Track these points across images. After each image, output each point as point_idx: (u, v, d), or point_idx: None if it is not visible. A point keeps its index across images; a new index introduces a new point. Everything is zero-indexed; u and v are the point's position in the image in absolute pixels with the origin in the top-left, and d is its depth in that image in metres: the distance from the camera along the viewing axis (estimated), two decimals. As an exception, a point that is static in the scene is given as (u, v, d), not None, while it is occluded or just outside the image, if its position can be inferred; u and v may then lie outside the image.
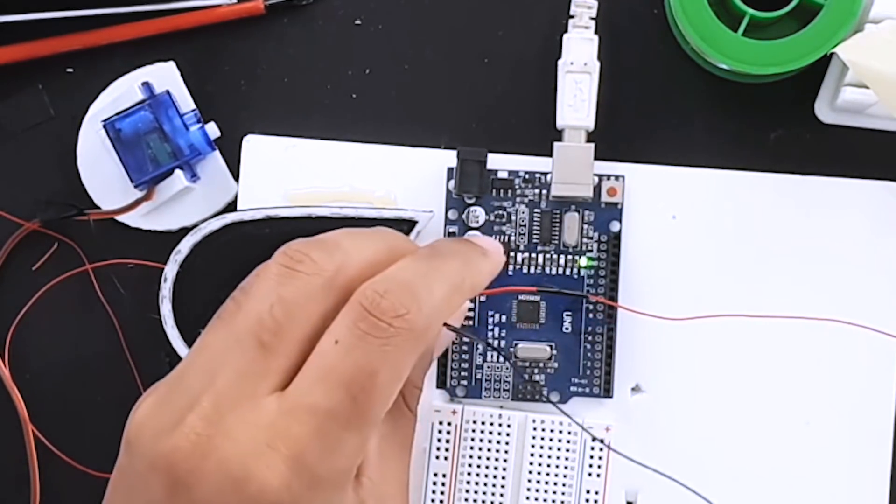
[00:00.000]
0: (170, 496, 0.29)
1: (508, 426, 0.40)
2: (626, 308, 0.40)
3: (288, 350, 0.30)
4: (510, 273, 0.40)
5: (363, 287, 0.30)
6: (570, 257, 0.40)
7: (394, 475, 0.34)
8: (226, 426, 0.29)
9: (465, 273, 0.34)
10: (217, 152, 0.41)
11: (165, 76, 0.41)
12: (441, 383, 0.41)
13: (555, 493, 0.40)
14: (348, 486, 0.31)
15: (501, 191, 0.40)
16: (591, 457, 0.40)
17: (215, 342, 0.30)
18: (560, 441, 0.40)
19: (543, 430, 0.40)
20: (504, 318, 0.40)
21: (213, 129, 0.41)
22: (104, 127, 0.40)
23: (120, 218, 0.41)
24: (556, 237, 0.40)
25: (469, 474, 0.40)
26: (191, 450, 0.29)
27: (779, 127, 0.41)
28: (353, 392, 0.29)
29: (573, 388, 0.40)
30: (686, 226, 0.41)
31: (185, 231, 0.41)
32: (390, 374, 0.30)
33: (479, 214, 0.40)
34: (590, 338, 0.40)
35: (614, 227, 0.40)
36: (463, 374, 0.40)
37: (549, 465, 0.40)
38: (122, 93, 0.41)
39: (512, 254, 0.40)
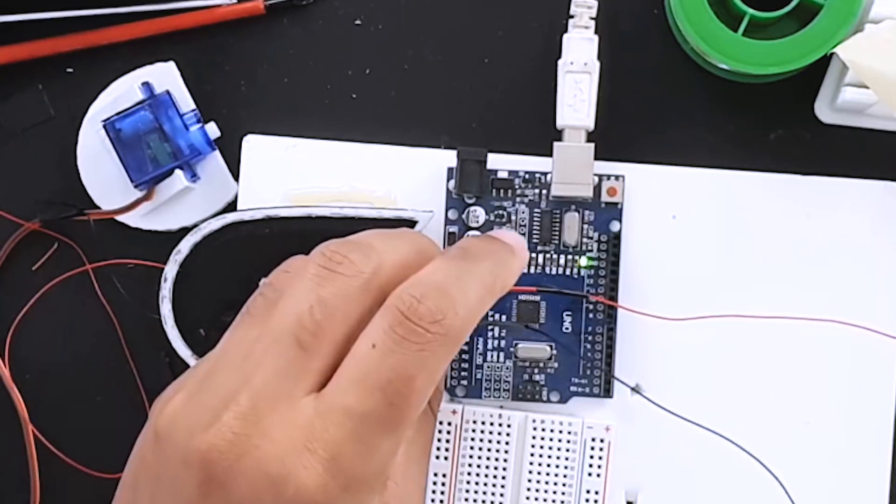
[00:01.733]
0: (203, 494, 0.29)
1: (508, 426, 0.40)
2: (626, 308, 0.40)
3: (326, 351, 0.30)
4: (510, 273, 0.40)
5: (399, 291, 0.30)
6: (570, 257, 0.40)
7: (415, 478, 0.34)
8: (264, 426, 0.29)
9: (496, 273, 0.34)
10: (217, 152, 0.41)
11: (165, 76, 0.41)
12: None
13: (555, 493, 0.40)
14: (380, 489, 0.31)
15: (501, 191, 0.40)
16: (591, 457, 0.40)
17: (248, 339, 0.30)
18: (560, 441, 0.40)
19: (543, 430, 0.40)
20: (504, 318, 0.40)
21: (213, 129, 0.41)
22: (104, 127, 0.40)
23: (120, 218, 0.41)
24: (556, 237, 0.40)
25: (469, 474, 0.40)
26: (228, 448, 0.29)
27: (779, 127, 0.41)
28: (390, 397, 0.29)
29: (573, 388, 0.40)
30: (686, 226, 0.41)
31: (185, 231, 0.41)
32: (426, 378, 0.30)
33: (479, 214, 0.40)
34: (590, 338, 0.40)
35: (614, 226, 0.40)
36: (463, 374, 0.40)
37: (549, 465, 0.40)
38: (122, 93, 0.41)
39: (512, 254, 0.40)
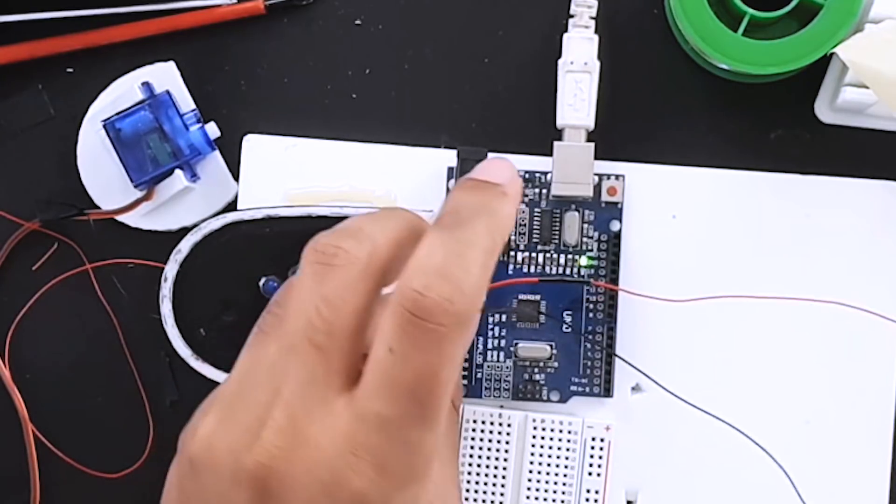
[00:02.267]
0: None
1: (508, 426, 0.40)
2: (627, 290, 0.40)
3: (343, 347, 0.30)
4: (510, 272, 0.40)
5: (401, 286, 0.29)
6: (570, 257, 0.40)
7: (450, 476, 0.34)
8: (305, 436, 0.28)
9: (493, 230, 0.32)
10: (217, 152, 0.41)
11: (165, 76, 0.41)
12: (441, 383, 0.40)
13: (555, 492, 0.40)
14: (429, 477, 0.31)
15: (501, 191, 0.40)
16: (591, 456, 0.40)
17: (268, 355, 0.30)
18: (560, 441, 0.40)
19: (543, 429, 0.40)
20: (504, 317, 0.40)
21: (213, 129, 0.41)
22: (104, 127, 0.40)
23: (120, 218, 0.41)
24: (557, 237, 0.40)
25: (469, 474, 0.40)
26: (276, 463, 0.28)
27: (779, 127, 0.41)
28: (419, 396, 0.29)
29: (573, 388, 0.40)
30: (686, 225, 0.41)
31: (185, 231, 0.41)
32: (450, 367, 0.29)
33: (479, 214, 0.40)
34: (590, 337, 0.40)
35: (614, 226, 0.40)
36: (463, 373, 0.40)
37: (549, 465, 0.40)
38: (122, 93, 0.41)
39: (512, 253, 0.40)
